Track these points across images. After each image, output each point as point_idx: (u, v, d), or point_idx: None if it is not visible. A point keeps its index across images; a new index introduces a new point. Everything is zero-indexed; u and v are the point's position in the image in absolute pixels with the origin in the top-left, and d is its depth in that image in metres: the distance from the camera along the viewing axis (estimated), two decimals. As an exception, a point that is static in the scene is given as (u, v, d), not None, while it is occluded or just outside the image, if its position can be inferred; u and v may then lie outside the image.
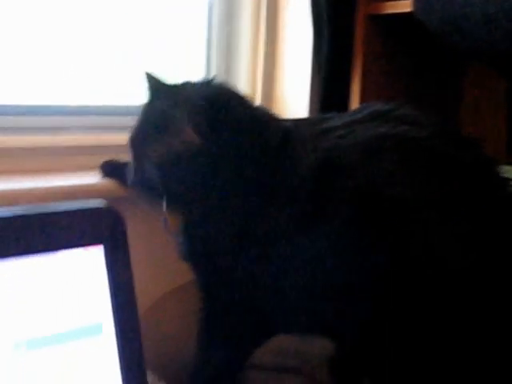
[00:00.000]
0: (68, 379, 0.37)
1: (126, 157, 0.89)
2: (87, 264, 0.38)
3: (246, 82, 1.28)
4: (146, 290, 1.02)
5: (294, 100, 1.25)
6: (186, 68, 1.22)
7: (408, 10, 1.02)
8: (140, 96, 0.90)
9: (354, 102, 1.17)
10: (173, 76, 0.91)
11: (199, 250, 0.80)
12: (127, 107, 1.13)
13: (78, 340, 0.38)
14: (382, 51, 1.19)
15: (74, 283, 0.38)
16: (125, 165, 0.89)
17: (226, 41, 1.24)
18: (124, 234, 0.39)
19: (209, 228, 0.78)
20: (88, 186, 0.95)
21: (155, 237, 0.96)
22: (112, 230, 0.39)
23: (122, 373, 0.40)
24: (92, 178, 0.97)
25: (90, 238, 0.38)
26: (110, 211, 0.39)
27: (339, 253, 0.71)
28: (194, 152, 0.77)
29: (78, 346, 0.38)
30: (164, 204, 0.81)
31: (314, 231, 0.73)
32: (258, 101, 1.28)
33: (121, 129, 1.00)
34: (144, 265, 1.04)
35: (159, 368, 0.73)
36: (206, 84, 0.84)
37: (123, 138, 0.90)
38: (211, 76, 0.88)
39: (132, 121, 0.90)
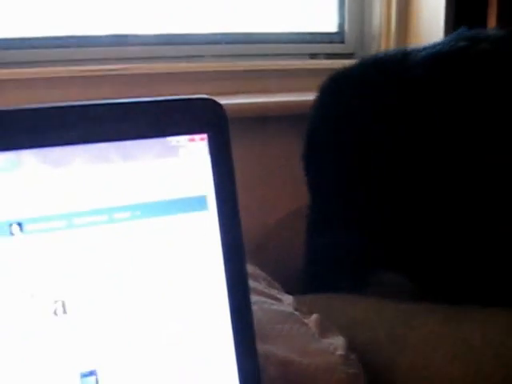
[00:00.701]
0: (175, 250, 0.43)
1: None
2: (193, 149, 0.43)
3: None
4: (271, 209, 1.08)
5: (428, 21, 1.23)
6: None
7: None
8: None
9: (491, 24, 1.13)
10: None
11: None
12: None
13: (184, 213, 0.43)
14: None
15: (182, 165, 0.43)
16: None
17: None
18: (226, 124, 0.44)
19: None
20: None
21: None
22: (215, 120, 0.43)
23: (223, 252, 0.44)
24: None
25: (195, 127, 0.43)
26: (213, 103, 0.43)
27: None
28: None
29: (184, 218, 0.43)
30: None
31: None
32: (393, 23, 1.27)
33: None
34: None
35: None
36: None
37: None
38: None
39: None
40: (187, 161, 0.43)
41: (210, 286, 0.44)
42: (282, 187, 1.12)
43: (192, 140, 0.43)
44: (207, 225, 0.44)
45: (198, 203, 0.43)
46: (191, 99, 0.43)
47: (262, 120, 1.07)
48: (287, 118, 1.11)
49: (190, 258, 0.44)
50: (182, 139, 0.43)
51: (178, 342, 0.43)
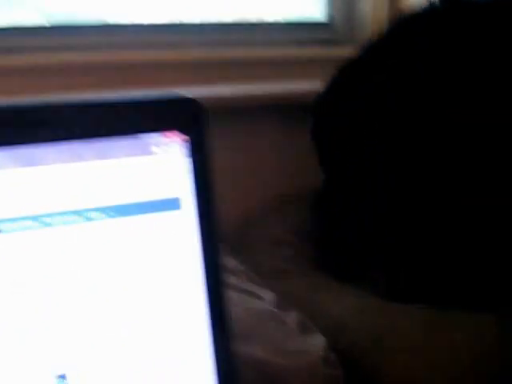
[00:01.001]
0: (149, 249, 0.43)
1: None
2: (169, 148, 0.42)
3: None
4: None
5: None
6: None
7: None
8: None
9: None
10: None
11: None
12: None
13: (158, 212, 0.42)
14: None
15: (157, 164, 0.42)
16: None
17: None
18: (205, 123, 0.43)
19: None
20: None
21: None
22: (194, 118, 0.42)
23: (200, 251, 0.44)
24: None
25: (172, 125, 0.42)
26: (192, 102, 0.42)
27: None
28: None
29: (158, 217, 0.43)
30: None
31: None
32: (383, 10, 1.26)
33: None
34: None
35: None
36: None
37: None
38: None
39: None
40: (163, 160, 0.42)
41: (187, 285, 0.44)
42: (266, 176, 1.11)
43: (168, 139, 0.42)
44: (182, 224, 0.43)
45: (173, 202, 0.43)
46: (169, 98, 0.42)
47: (248, 109, 1.06)
48: (274, 107, 1.10)
49: (166, 258, 0.43)
50: (158, 138, 0.42)
51: (154, 343, 0.43)
